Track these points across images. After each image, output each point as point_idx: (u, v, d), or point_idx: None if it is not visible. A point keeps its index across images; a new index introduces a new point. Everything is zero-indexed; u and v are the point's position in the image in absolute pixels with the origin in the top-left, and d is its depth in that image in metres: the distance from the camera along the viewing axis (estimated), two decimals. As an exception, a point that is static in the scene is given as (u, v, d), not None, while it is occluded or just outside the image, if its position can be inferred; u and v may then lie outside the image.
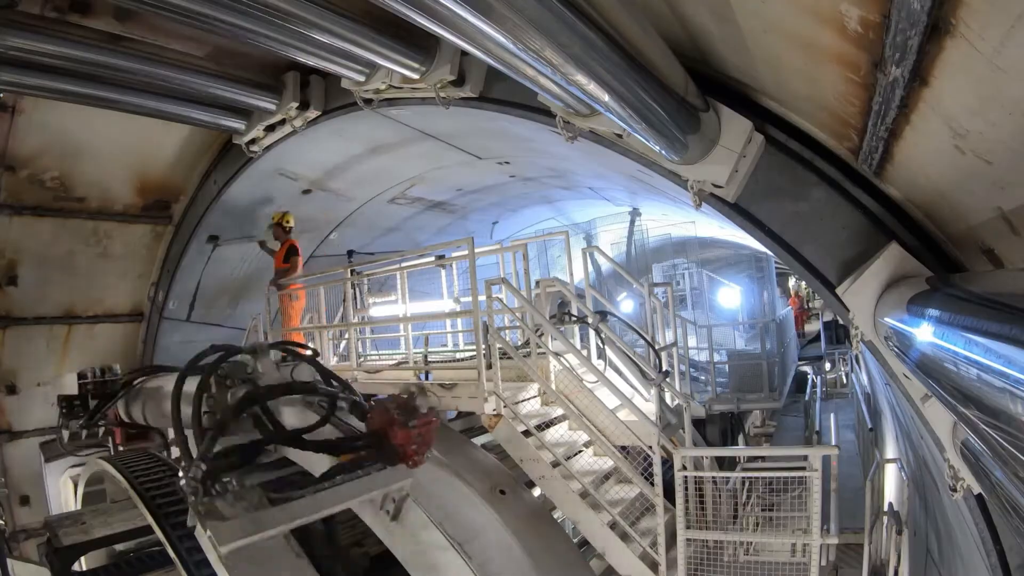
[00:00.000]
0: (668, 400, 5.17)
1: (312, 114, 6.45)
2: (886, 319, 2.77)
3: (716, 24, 3.15)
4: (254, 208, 8.39)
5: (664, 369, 5.31)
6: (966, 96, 1.94)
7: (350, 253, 9.86)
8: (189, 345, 9.11)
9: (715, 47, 3.47)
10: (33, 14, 4.91)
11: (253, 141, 6.97)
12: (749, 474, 4.55)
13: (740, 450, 6.43)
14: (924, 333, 1.91)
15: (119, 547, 4.39)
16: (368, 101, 5.68)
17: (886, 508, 5.08)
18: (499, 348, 5.04)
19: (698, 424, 8.63)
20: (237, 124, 6.77)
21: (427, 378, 5.94)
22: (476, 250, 5.35)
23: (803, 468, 3.98)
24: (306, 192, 8.45)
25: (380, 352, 8.29)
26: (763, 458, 5.30)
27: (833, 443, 7.49)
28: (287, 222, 7.98)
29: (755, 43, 3.04)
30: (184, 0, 3.90)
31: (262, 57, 5.97)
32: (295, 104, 6.29)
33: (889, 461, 5.88)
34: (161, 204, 8.29)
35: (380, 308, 8.80)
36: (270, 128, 6.74)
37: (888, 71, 2.02)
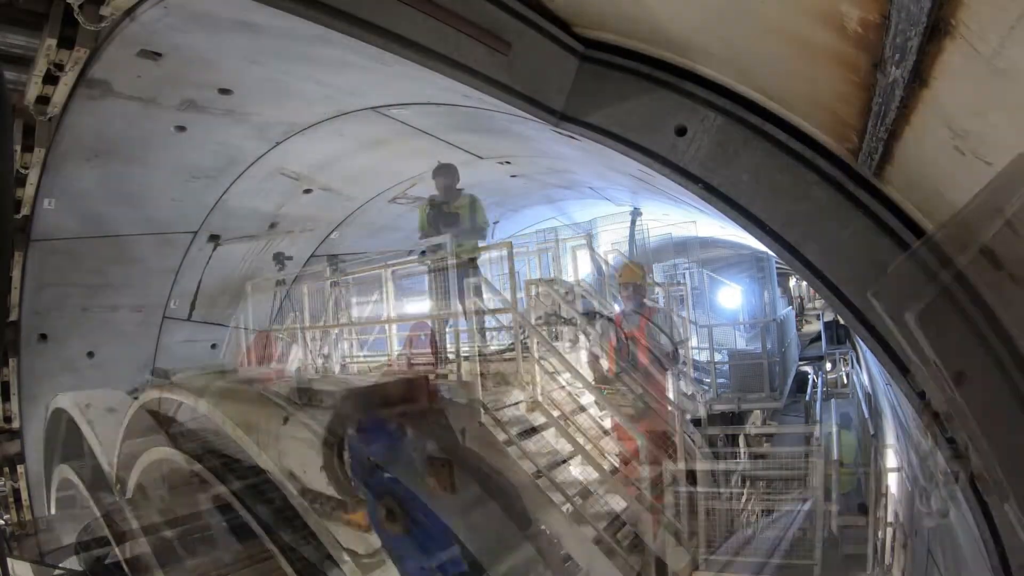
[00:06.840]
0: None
1: (313, 114, 6.45)
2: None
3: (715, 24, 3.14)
4: (255, 208, 8.40)
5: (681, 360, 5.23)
6: (966, 97, 1.94)
7: (331, 257, 9.63)
8: (190, 344, 9.14)
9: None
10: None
11: (254, 141, 6.98)
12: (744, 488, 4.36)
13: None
14: (923, 334, 1.91)
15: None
16: (369, 101, 5.70)
17: (891, 519, 5.03)
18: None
19: (698, 424, 8.61)
20: (238, 124, 6.77)
21: None
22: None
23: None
24: (307, 192, 8.46)
25: (366, 353, 8.10)
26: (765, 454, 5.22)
27: (834, 451, 7.41)
28: None
29: (755, 44, 3.04)
30: None
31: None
32: (296, 104, 6.29)
33: (892, 470, 5.80)
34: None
35: (366, 307, 8.45)
36: (271, 128, 6.75)
37: (888, 72, 2.02)
